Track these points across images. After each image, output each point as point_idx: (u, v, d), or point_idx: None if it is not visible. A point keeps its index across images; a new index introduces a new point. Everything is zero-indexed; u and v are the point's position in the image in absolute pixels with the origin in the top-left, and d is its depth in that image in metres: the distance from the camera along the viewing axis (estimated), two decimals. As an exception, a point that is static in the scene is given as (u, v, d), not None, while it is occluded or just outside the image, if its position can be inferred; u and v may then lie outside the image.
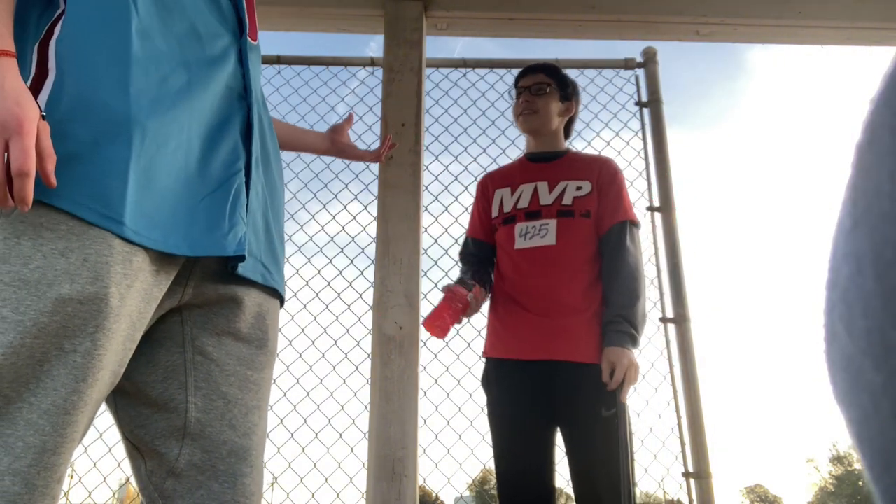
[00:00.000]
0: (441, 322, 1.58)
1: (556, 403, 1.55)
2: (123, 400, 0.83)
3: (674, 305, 2.13)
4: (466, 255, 1.85)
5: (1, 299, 0.65)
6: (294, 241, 2.38)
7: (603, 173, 1.72)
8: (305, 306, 2.29)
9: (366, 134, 2.46)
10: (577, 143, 2.42)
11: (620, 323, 1.54)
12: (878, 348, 0.17)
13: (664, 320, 2.14)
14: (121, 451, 2.25)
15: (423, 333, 2.10)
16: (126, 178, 0.72)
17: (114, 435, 2.15)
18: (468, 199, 2.42)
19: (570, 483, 1.54)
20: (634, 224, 1.68)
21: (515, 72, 2.50)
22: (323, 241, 2.39)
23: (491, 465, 1.69)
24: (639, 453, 1.56)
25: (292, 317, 2.25)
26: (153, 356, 0.83)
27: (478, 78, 2.53)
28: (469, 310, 1.63)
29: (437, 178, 2.39)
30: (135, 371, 0.81)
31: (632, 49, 2.51)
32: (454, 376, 2.17)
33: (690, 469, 1.95)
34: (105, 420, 2.02)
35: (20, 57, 0.72)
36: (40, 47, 0.74)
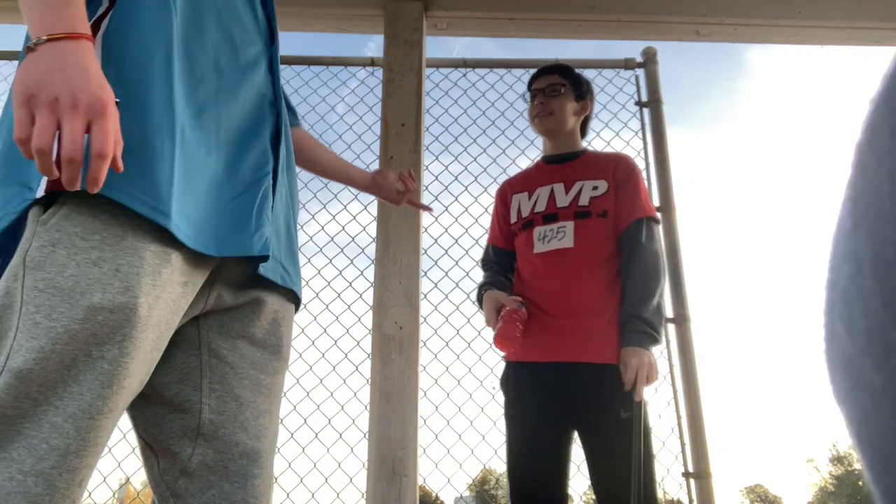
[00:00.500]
0: (512, 336, 1.55)
1: (574, 405, 1.54)
2: (139, 400, 0.84)
3: (674, 305, 2.12)
4: (488, 262, 1.86)
5: (35, 305, 0.67)
6: (294, 241, 2.38)
7: (619, 171, 1.71)
8: (305, 306, 2.29)
9: (366, 134, 2.46)
10: (577, 143, 2.41)
11: (635, 322, 1.53)
12: (878, 348, 0.17)
13: (664, 320, 2.13)
14: (121, 451, 2.24)
15: (423, 333, 2.11)
16: (172, 174, 0.74)
17: (114, 435, 2.15)
18: (468, 199, 2.42)
19: (591, 486, 1.53)
20: (653, 220, 1.67)
21: (516, 72, 2.52)
22: (323, 241, 2.39)
23: (490, 464, 1.71)
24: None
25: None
26: (169, 358, 0.85)
27: (478, 78, 2.53)
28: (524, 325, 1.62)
29: (437, 178, 2.39)
30: (151, 372, 0.83)
31: (632, 49, 2.51)
32: (454, 376, 2.17)
33: (690, 469, 1.95)
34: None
35: None
36: None
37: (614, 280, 1.63)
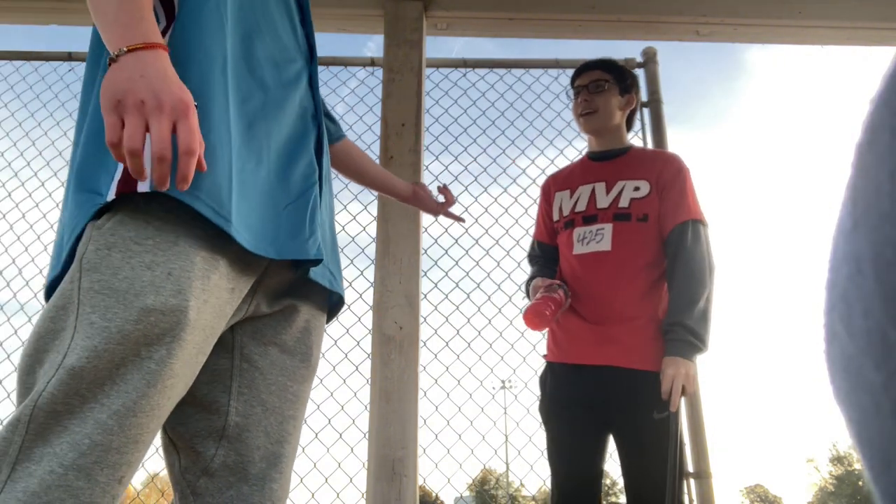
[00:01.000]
0: (540, 313, 1.54)
1: (608, 408, 1.54)
2: None
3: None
4: (534, 258, 1.86)
5: (91, 305, 0.69)
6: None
7: (664, 172, 1.64)
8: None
9: (366, 134, 2.46)
10: (578, 143, 2.42)
11: (676, 330, 1.49)
12: (878, 348, 0.17)
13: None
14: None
15: (423, 333, 2.11)
16: (231, 181, 0.78)
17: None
18: (468, 199, 2.43)
19: (623, 489, 1.53)
20: (700, 223, 1.60)
21: (516, 72, 2.52)
22: (323, 241, 2.39)
23: (491, 464, 1.71)
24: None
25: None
26: None
27: (478, 78, 2.53)
28: (560, 310, 1.61)
29: (437, 178, 2.39)
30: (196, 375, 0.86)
31: (632, 49, 2.51)
32: (454, 376, 2.17)
33: (690, 469, 1.95)
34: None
35: None
36: None
37: (653, 285, 1.59)
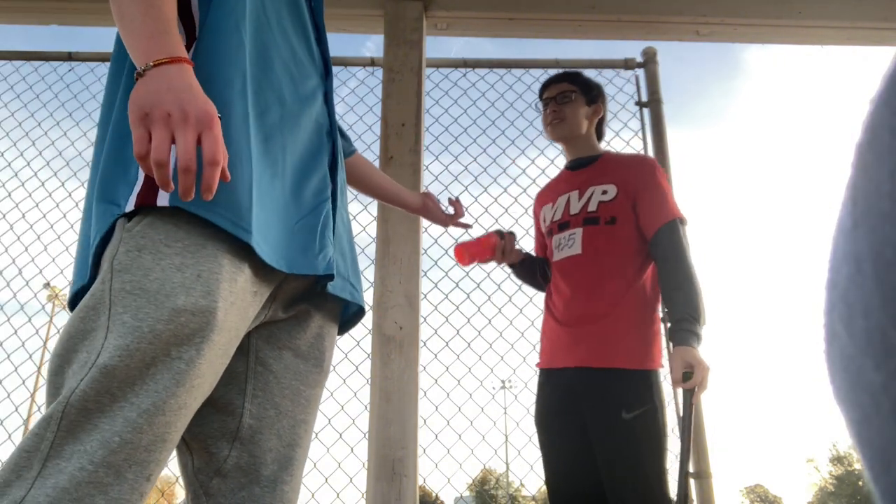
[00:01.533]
0: (466, 245, 1.65)
1: (581, 409, 1.56)
2: None
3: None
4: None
5: (122, 305, 0.71)
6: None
7: (634, 176, 1.68)
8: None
9: (366, 134, 2.46)
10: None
11: (686, 322, 1.50)
12: (878, 348, 0.17)
13: (664, 321, 2.14)
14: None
15: (423, 333, 2.11)
16: (251, 195, 0.80)
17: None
18: (468, 199, 2.43)
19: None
20: (681, 220, 1.64)
21: (516, 72, 2.52)
22: (323, 241, 2.39)
23: (490, 464, 1.72)
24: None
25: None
26: None
27: (478, 78, 2.53)
28: (494, 252, 1.70)
29: (437, 178, 2.40)
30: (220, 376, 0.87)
31: (632, 49, 2.51)
32: (454, 376, 2.17)
33: (690, 469, 1.95)
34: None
35: None
36: None
37: (626, 285, 1.61)
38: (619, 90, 2.44)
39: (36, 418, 0.90)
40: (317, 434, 2.14)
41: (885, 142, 0.17)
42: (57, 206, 2.49)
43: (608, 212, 1.66)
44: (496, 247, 1.68)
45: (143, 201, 0.76)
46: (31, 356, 2.37)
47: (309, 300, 0.96)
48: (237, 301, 0.78)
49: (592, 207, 1.67)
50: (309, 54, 1.02)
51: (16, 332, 2.34)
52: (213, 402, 0.87)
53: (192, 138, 0.69)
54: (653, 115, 2.36)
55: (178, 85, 0.71)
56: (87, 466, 0.65)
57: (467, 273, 2.30)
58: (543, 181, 1.93)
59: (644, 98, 2.41)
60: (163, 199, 0.75)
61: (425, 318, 2.16)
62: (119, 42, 0.87)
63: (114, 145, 0.81)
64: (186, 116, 0.69)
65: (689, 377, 1.46)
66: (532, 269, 1.81)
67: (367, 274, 2.25)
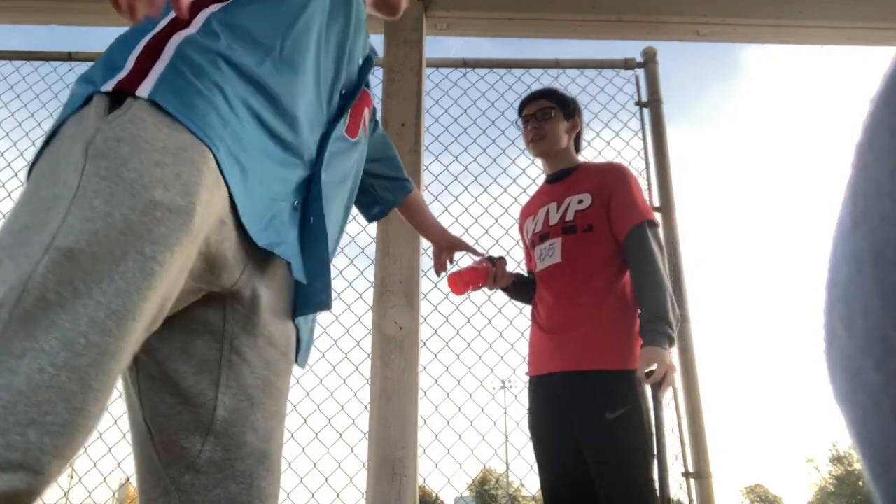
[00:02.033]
0: (461, 281, 1.64)
1: (566, 414, 1.59)
2: (148, 384, 0.82)
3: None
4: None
5: (94, 190, 0.64)
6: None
7: (606, 182, 1.72)
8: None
9: (366, 134, 2.45)
10: (577, 143, 2.41)
11: (656, 323, 1.52)
12: (878, 348, 0.17)
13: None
14: (121, 451, 2.24)
15: (423, 333, 2.11)
16: (225, 128, 0.76)
17: (115, 434, 2.15)
18: (468, 199, 2.43)
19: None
20: (652, 222, 1.68)
21: (516, 72, 2.52)
22: (323, 241, 2.39)
23: (490, 464, 1.73)
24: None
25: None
26: (189, 346, 0.82)
27: (478, 78, 2.53)
28: (488, 279, 1.70)
29: (437, 178, 2.39)
30: (168, 357, 0.81)
31: (632, 49, 2.51)
32: (454, 376, 2.17)
33: (690, 469, 1.95)
34: (105, 421, 2.01)
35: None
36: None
37: (605, 290, 1.64)
38: (619, 90, 2.45)
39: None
40: (317, 434, 2.15)
41: (885, 142, 0.17)
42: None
43: (585, 220, 1.70)
44: (489, 274, 1.69)
45: (124, 86, 0.71)
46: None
47: (269, 285, 0.88)
48: (210, 218, 0.73)
49: (570, 217, 1.72)
50: (318, 104, 0.97)
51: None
52: (181, 392, 0.80)
53: None
54: (653, 115, 2.36)
55: None
56: (48, 369, 0.57)
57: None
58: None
59: (644, 98, 2.41)
60: (144, 90, 0.71)
61: (425, 318, 2.16)
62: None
63: (110, 54, 0.79)
64: None
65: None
66: (525, 289, 1.84)
67: (368, 274, 2.25)
